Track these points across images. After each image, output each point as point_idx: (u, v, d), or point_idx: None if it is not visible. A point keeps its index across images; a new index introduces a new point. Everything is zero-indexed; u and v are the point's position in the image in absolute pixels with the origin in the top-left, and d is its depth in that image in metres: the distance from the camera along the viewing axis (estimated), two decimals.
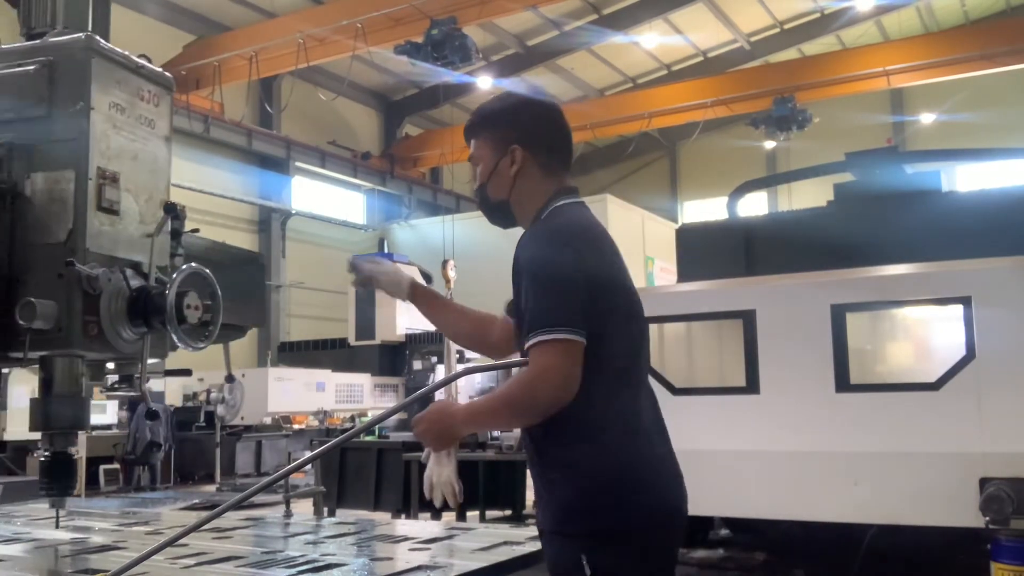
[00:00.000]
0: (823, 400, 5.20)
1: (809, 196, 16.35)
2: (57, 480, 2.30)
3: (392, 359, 16.01)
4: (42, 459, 2.30)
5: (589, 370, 2.04)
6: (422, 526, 3.67)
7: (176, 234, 2.54)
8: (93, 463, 11.29)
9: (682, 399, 5.53)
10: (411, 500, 8.31)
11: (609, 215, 15.55)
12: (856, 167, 6.98)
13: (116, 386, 2.49)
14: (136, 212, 2.37)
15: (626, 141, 23.05)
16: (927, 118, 22.48)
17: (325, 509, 7.78)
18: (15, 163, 2.25)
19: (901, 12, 20.06)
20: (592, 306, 2.07)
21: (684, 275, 6.61)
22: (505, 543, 2.83)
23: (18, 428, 10.75)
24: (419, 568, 2.48)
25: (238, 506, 2.23)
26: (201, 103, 16.96)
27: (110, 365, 2.47)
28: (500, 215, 2.37)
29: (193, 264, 2.41)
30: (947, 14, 21.41)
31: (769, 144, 22.14)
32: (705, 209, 23.86)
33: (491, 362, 2.62)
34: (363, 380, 15.43)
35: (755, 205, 17.67)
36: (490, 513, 8.57)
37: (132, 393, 2.47)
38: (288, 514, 3.47)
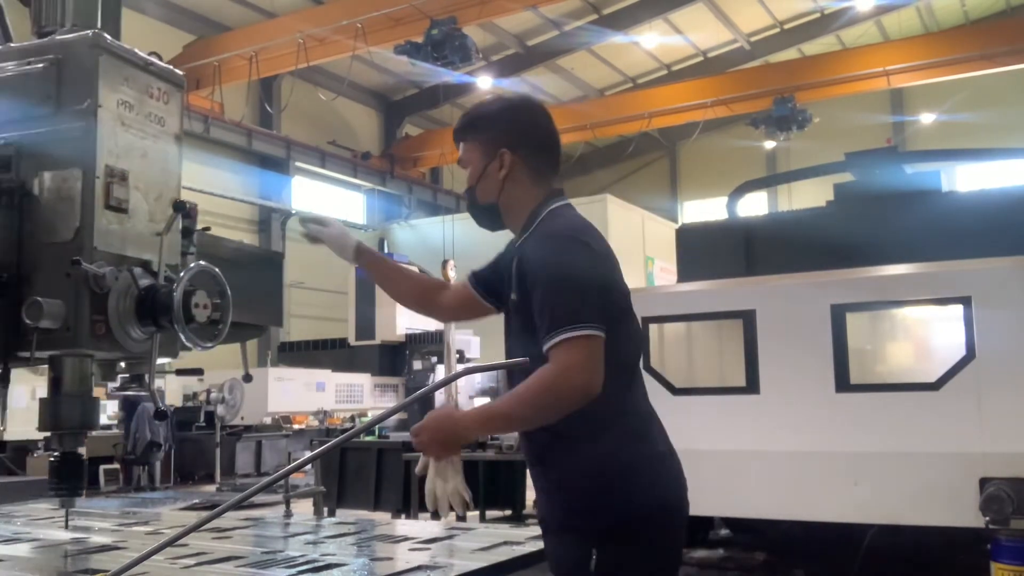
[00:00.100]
0: (823, 400, 5.20)
1: (809, 196, 16.35)
2: (66, 480, 2.29)
3: (392, 359, 16.00)
4: (51, 459, 2.29)
5: None
6: (422, 526, 3.66)
7: (188, 232, 2.53)
8: (93, 463, 11.27)
9: (682, 399, 5.53)
10: (411, 500, 8.32)
11: (609, 215, 15.56)
12: (856, 167, 6.98)
13: (128, 385, 2.48)
14: (146, 210, 2.35)
15: (626, 141, 23.05)
16: (927, 118, 22.48)
17: (325, 509, 7.78)
18: (23, 162, 2.23)
19: (901, 12, 20.06)
20: (604, 305, 2.11)
21: (684, 275, 6.61)
22: (505, 543, 2.83)
23: (18, 428, 10.73)
24: (419, 568, 2.47)
25: (238, 506, 2.23)
26: (201, 103, 16.96)
27: (122, 364, 2.46)
28: (488, 218, 2.39)
29: (202, 262, 2.39)
30: (947, 14, 21.40)
31: (769, 144, 22.14)
32: (705, 209, 23.85)
33: (490, 363, 2.62)
34: (363, 380, 15.42)
35: (755, 205, 17.66)
36: (490, 513, 8.57)
37: (142, 393, 2.47)
38: (288, 514, 3.47)
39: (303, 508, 5.45)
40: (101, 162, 2.22)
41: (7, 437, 11.13)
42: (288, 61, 16.04)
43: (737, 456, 5.39)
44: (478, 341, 13.66)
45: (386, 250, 17.68)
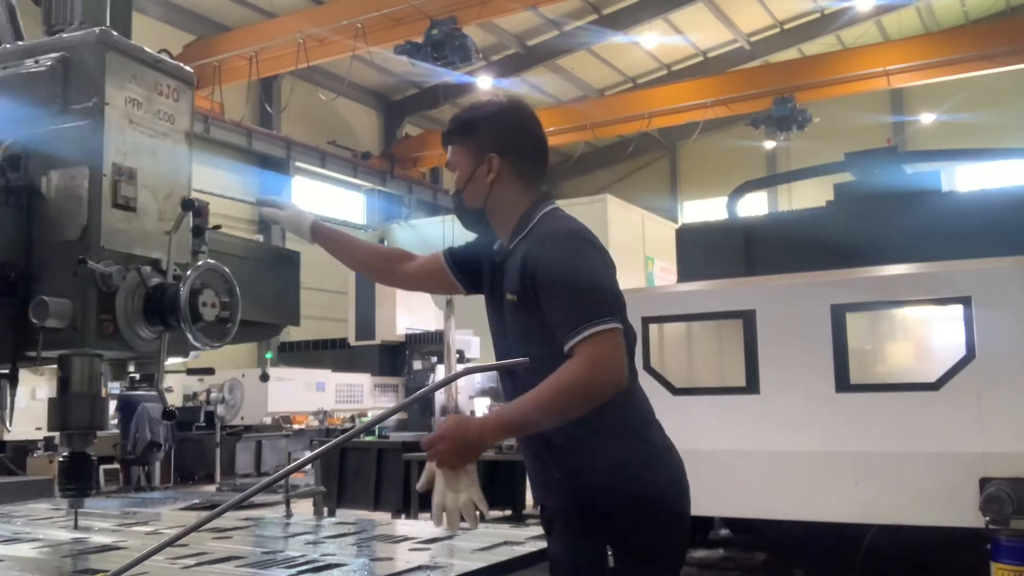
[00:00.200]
0: (823, 400, 5.20)
1: (809, 196, 16.35)
2: (76, 480, 2.28)
3: (392, 359, 15.98)
4: (61, 459, 2.28)
5: None
6: (422, 526, 3.66)
7: (199, 231, 2.51)
8: None
9: (682, 399, 5.53)
10: (411, 500, 8.31)
11: (609, 215, 15.53)
12: (856, 167, 6.98)
13: (137, 385, 2.47)
14: (155, 209, 2.33)
15: (626, 141, 23.05)
16: (927, 118, 22.48)
17: (325, 509, 7.78)
18: (32, 161, 2.22)
19: (901, 12, 20.05)
20: (615, 300, 2.14)
21: (684, 275, 6.61)
22: (505, 543, 2.83)
23: (18, 428, 10.73)
24: (419, 568, 2.47)
25: (238, 506, 2.22)
26: (201, 103, 16.94)
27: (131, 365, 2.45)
28: (475, 222, 2.40)
29: (210, 260, 2.37)
30: (947, 14, 21.40)
31: (769, 144, 22.14)
32: (705, 209, 23.84)
33: (490, 363, 2.62)
34: (363, 380, 15.41)
35: (755, 205, 17.66)
36: (490, 513, 8.55)
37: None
38: (288, 514, 3.47)
39: (303, 508, 5.45)
40: (108, 160, 2.20)
41: (7, 437, 11.14)
42: (288, 61, 16.04)
43: (737, 456, 5.39)
44: (478, 341, 13.66)
45: None
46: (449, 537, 2.96)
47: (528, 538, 2.85)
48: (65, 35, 2.31)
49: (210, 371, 3.16)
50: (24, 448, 11.15)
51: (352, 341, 16.41)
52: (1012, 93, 20.79)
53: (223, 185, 18.01)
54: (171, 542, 2.11)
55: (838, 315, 5.21)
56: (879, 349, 5.75)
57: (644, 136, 22.66)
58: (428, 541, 2.92)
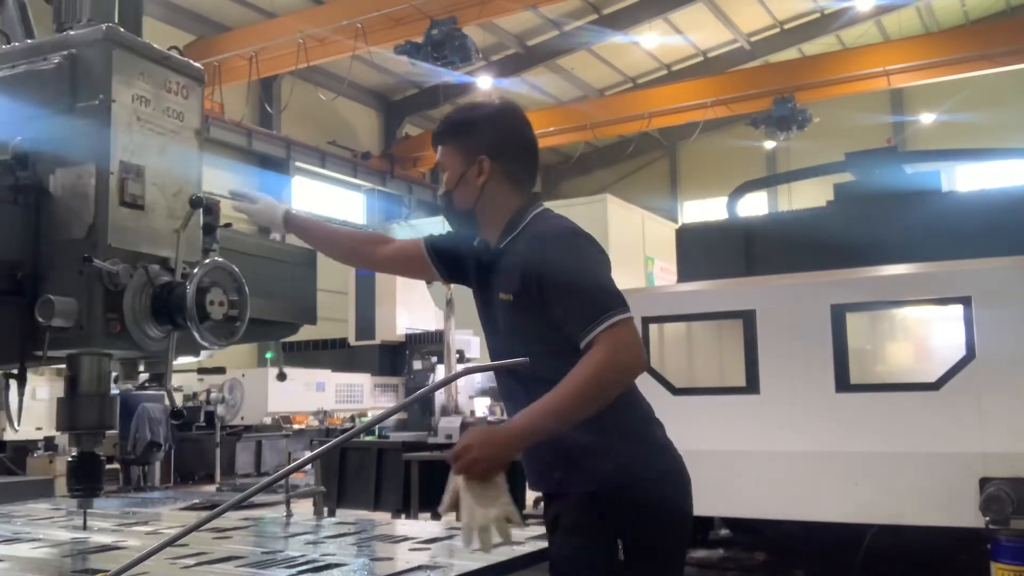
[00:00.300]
0: (823, 400, 5.20)
1: (809, 196, 16.35)
2: (84, 480, 2.28)
3: (392, 359, 15.98)
4: (69, 459, 2.28)
5: None
6: (422, 526, 3.66)
7: (210, 229, 2.49)
8: None
9: (682, 399, 5.52)
10: (411, 500, 8.31)
11: (609, 215, 15.53)
12: (856, 167, 6.98)
13: (146, 384, 2.46)
14: (164, 207, 2.31)
15: (626, 141, 23.06)
16: (927, 118, 22.49)
17: (325, 509, 7.77)
18: (39, 159, 2.21)
19: (901, 12, 20.06)
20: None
21: (684, 275, 6.60)
22: (505, 543, 2.82)
23: (19, 428, 10.71)
24: (419, 568, 2.47)
25: (238, 506, 2.22)
26: None
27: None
28: (464, 223, 2.40)
29: (218, 258, 2.35)
30: (947, 14, 21.40)
31: (769, 144, 22.15)
32: (705, 209, 23.86)
33: (491, 363, 2.61)
34: (363, 380, 15.41)
35: (755, 205, 17.66)
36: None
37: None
38: (288, 514, 3.47)
39: (303, 508, 5.45)
40: (115, 158, 2.18)
41: (7, 437, 11.14)
42: (288, 61, 16.04)
43: (737, 456, 5.39)
44: (478, 341, 13.65)
45: None
46: (449, 537, 2.96)
47: (528, 538, 2.85)
48: (72, 32, 2.30)
49: (221, 370, 3.15)
50: (24, 448, 11.16)
51: (352, 341, 16.41)
52: (1012, 93, 20.80)
53: (223, 185, 17.88)
54: (171, 542, 2.11)
55: (838, 315, 5.21)
56: (879, 349, 5.75)
57: (644, 136, 22.67)
58: (428, 541, 2.92)
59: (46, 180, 2.20)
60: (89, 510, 2.75)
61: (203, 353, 2.46)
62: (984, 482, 4.66)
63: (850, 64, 18.56)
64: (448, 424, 8.49)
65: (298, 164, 20.02)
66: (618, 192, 19.59)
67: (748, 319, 5.46)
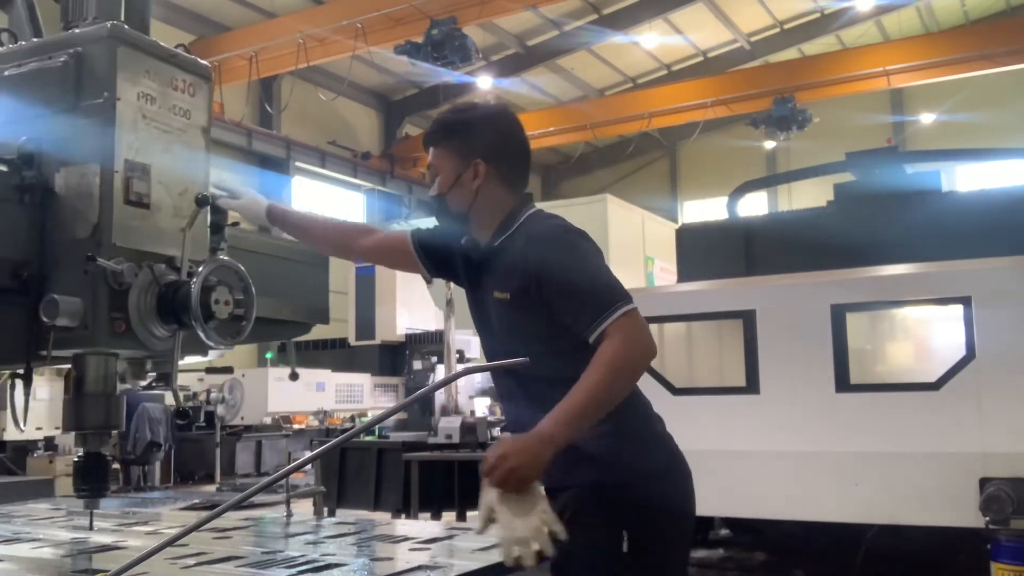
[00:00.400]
0: (823, 400, 5.20)
1: (809, 196, 16.35)
2: (91, 480, 2.27)
3: (392, 359, 15.98)
4: (76, 459, 2.27)
5: None
6: (422, 526, 3.66)
7: (217, 228, 2.48)
8: None
9: (682, 399, 5.53)
10: (411, 500, 8.31)
11: (609, 215, 15.50)
12: (856, 167, 6.98)
13: (153, 384, 2.45)
14: (170, 205, 2.29)
15: (626, 141, 23.05)
16: (927, 118, 22.48)
17: (325, 509, 7.77)
18: (44, 158, 2.20)
19: (901, 12, 20.05)
20: None
21: (684, 275, 6.61)
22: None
23: (24, 427, 10.72)
24: (419, 568, 2.47)
25: (238, 506, 2.22)
26: None
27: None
28: (457, 225, 2.40)
29: (223, 257, 2.34)
30: (947, 14, 21.40)
31: (769, 144, 22.14)
32: (705, 209, 23.86)
33: (491, 363, 2.61)
34: (363, 380, 15.41)
35: (755, 205, 17.66)
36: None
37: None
38: (288, 514, 3.47)
39: (303, 508, 5.45)
40: (120, 156, 2.17)
41: (7, 437, 11.15)
42: (288, 61, 16.04)
43: (737, 456, 5.39)
44: (478, 341, 13.64)
45: None
46: (449, 537, 2.96)
47: None
48: (78, 30, 2.30)
49: (229, 370, 3.15)
50: (24, 448, 11.17)
51: (352, 341, 16.41)
52: (1012, 93, 20.79)
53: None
54: (171, 542, 2.11)
55: (838, 315, 5.21)
56: (879, 349, 5.75)
57: (644, 136, 22.66)
58: (428, 541, 2.92)
59: (51, 179, 2.19)
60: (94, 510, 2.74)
61: (212, 353, 2.45)
62: (984, 482, 4.66)
63: (850, 64, 18.55)
64: (448, 424, 8.49)
65: (298, 164, 20.01)
66: (618, 192, 19.58)
67: (748, 319, 5.47)
